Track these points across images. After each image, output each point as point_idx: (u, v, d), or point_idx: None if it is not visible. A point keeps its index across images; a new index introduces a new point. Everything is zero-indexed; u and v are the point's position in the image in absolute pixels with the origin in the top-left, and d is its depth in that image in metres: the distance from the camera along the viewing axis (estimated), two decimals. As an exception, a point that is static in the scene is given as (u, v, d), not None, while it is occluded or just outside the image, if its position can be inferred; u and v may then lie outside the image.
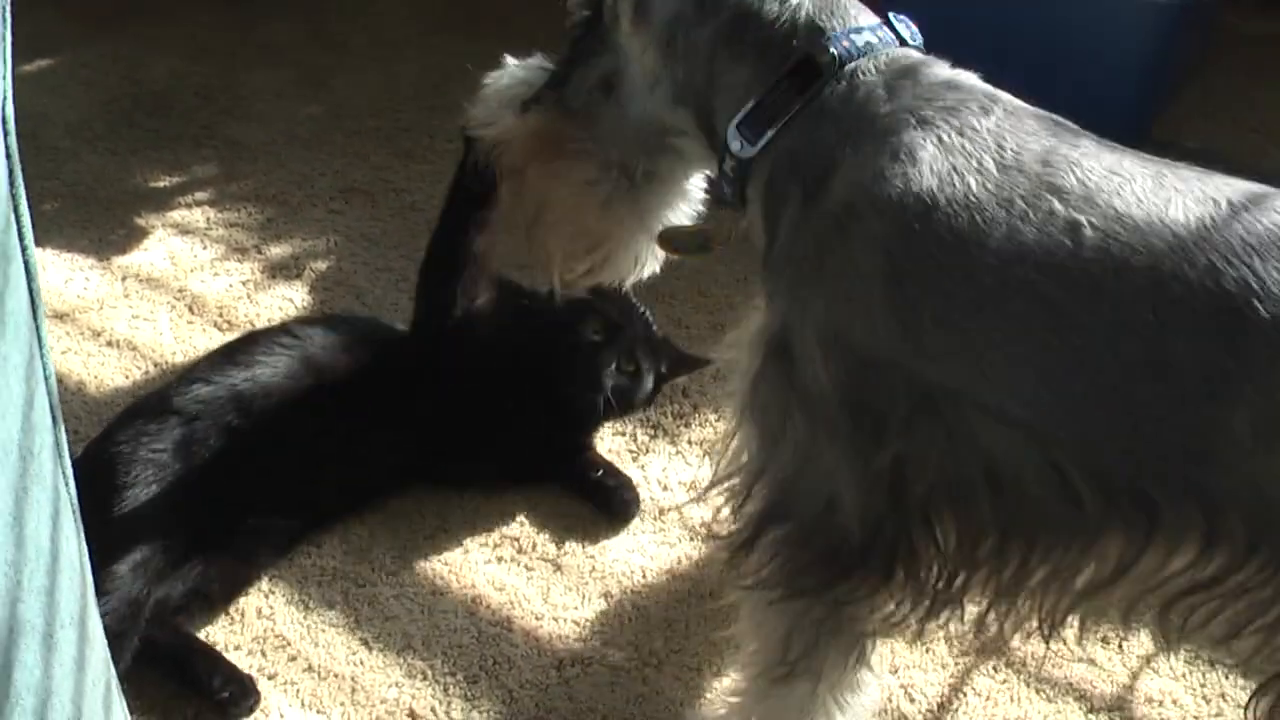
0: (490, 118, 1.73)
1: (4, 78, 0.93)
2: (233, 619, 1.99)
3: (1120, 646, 1.92)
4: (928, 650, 1.92)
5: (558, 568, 2.06)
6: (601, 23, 1.63)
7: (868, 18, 1.53)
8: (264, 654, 1.93)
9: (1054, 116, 1.42)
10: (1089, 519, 1.31)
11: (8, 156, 0.97)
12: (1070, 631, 1.44)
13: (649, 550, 2.09)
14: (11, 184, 0.99)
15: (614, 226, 1.70)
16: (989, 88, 1.46)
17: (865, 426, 1.38)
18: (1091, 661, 1.91)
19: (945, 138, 1.37)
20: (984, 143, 1.36)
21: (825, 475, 1.43)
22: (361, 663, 1.92)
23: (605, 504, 2.16)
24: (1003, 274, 1.30)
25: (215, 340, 2.51)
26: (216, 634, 1.96)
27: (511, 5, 3.55)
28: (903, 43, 1.51)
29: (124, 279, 2.69)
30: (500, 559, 2.08)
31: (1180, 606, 1.33)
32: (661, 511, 2.15)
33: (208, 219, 2.87)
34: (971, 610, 1.46)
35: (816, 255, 1.42)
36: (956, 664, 1.91)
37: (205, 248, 2.78)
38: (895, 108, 1.42)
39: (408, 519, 2.14)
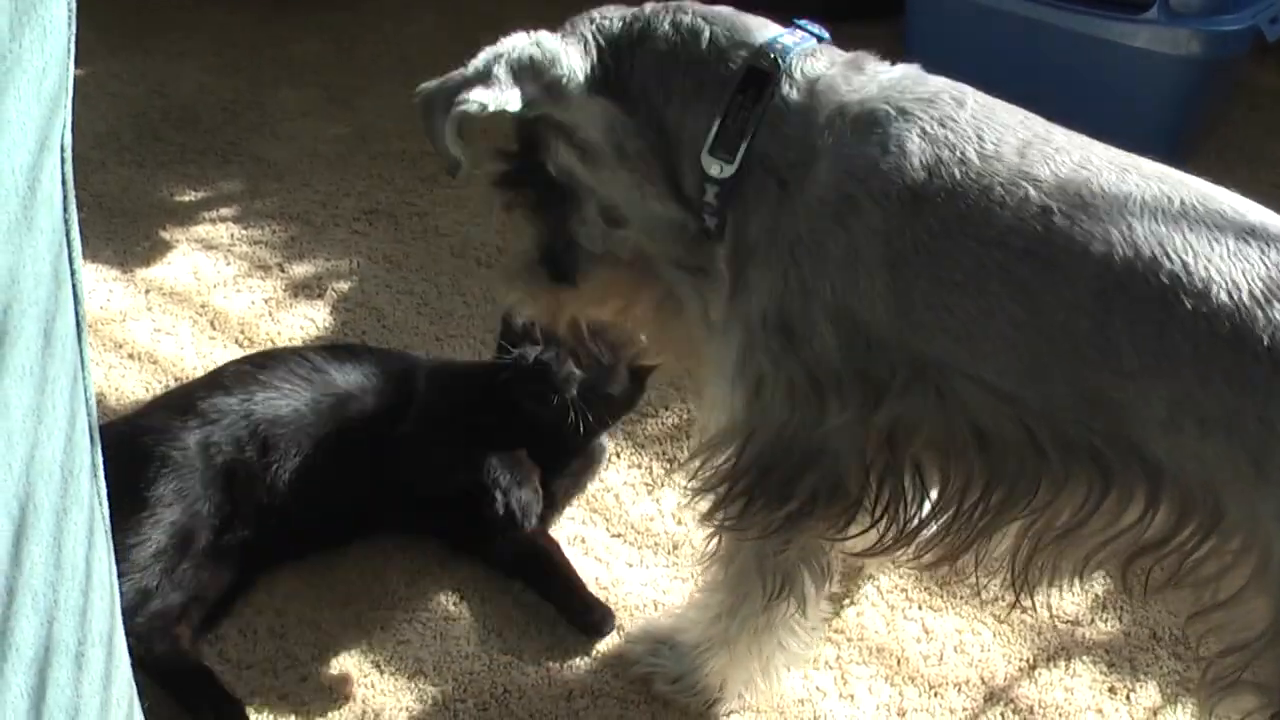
0: (526, 295, 1.81)
1: (65, 107, 0.95)
2: (245, 636, 2.00)
3: (1128, 697, 1.93)
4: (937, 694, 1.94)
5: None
6: (550, 185, 1.70)
7: (775, 27, 1.63)
8: (275, 673, 1.94)
9: (1020, 109, 1.54)
10: (1054, 469, 1.46)
11: (63, 183, 0.99)
12: (1039, 587, 1.58)
13: (661, 584, 2.10)
14: (65, 210, 1.01)
15: (696, 328, 1.75)
16: (946, 80, 1.57)
17: (868, 391, 1.52)
18: (1099, 711, 1.92)
19: (929, 129, 1.48)
20: (965, 133, 1.47)
21: (825, 433, 1.55)
22: (373, 685, 1.93)
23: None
24: (982, 257, 1.43)
25: (236, 357, 2.52)
26: (229, 651, 1.97)
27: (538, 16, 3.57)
28: (819, 39, 1.62)
29: (147, 292, 2.71)
30: (514, 587, 2.09)
31: (1137, 565, 1.48)
32: (675, 545, 2.16)
33: (232, 235, 2.89)
34: (947, 548, 1.60)
35: (815, 241, 1.51)
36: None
37: (229, 264, 2.80)
38: (865, 96, 1.53)
39: (422, 543, 2.15)
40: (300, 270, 2.78)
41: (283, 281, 2.74)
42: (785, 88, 1.56)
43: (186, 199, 3.02)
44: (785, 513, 1.59)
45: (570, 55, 1.61)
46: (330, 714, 1.89)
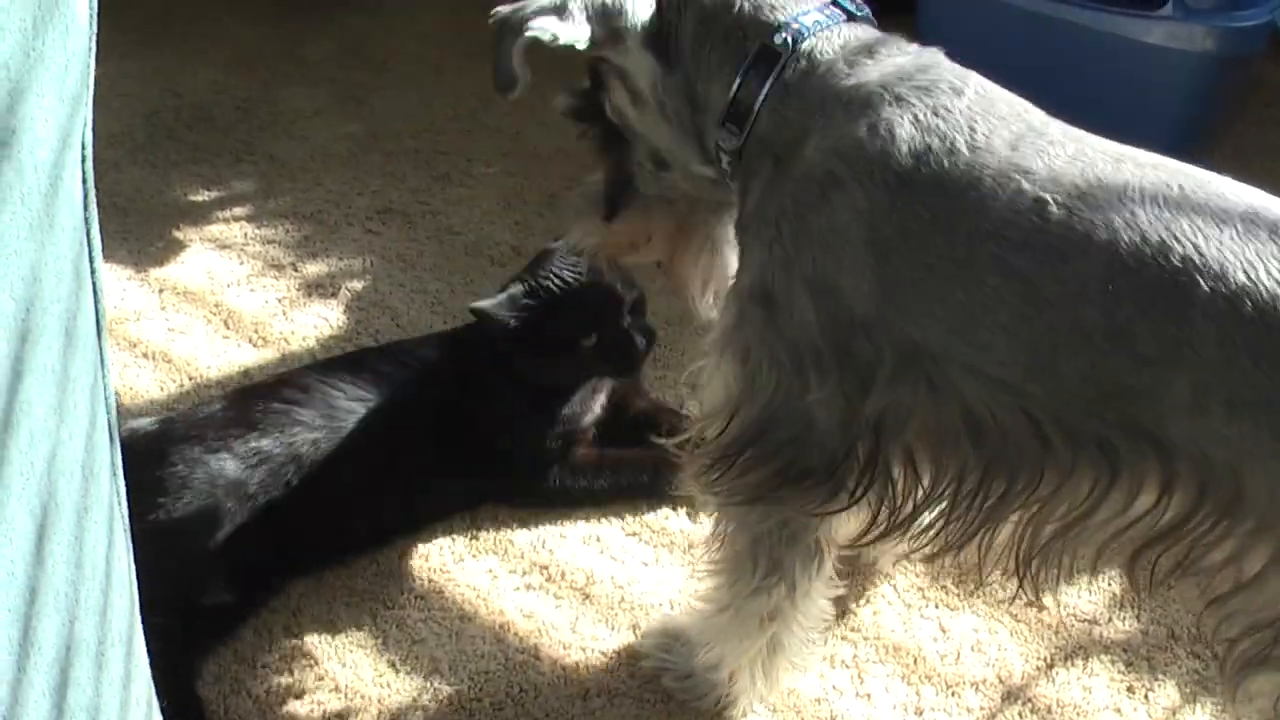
0: (584, 227, 1.88)
1: (86, 105, 0.95)
2: (260, 636, 2.00)
3: (1146, 696, 1.92)
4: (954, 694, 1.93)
5: (587, 597, 2.07)
6: (610, 127, 1.78)
7: (809, 2, 1.64)
8: (291, 672, 1.94)
9: (1022, 101, 1.54)
10: (1060, 459, 1.45)
11: (84, 181, 0.99)
12: (1047, 579, 1.58)
13: (678, 583, 2.10)
14: (85, 208, 1.01)
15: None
16: (957, 67, 1.57)
17: (853, 374, 1.53)
18: (1117, 711, 1.91)
19: (921, 117, 1.49)
20: (957, 123, 1.48)
21: (808, 406, 1.57)
22: (388, 685, 1.93)
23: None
24: (975, 248, 1.43)
25: (250, 356, 2.53)
26: (244, 650, 1.97)
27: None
28: (851, 16, 1.64)
29: (161, 291, 2.71)
30: (529, 586, 2.09)
31: (1147, 555, 1.47)
32: (691, 545, 2.16)
33: (245, 234, 2.89)
34: (946, 538, 1.60)
35: (798, 214, 1.54)
36: None
37: (242, 263, 2.80)
38: (863, 80, 1.55)
39: (438, 543, 2.15)
40: (313, 269, 2.78)
41: (296, 280, 2.74)
42: (791, 69, 1.59)
43: (200, 198, 3.02)
44: (767, 478, 1.62)
45: (637, 6, 1.64)
46: (345, 714, 1.88)
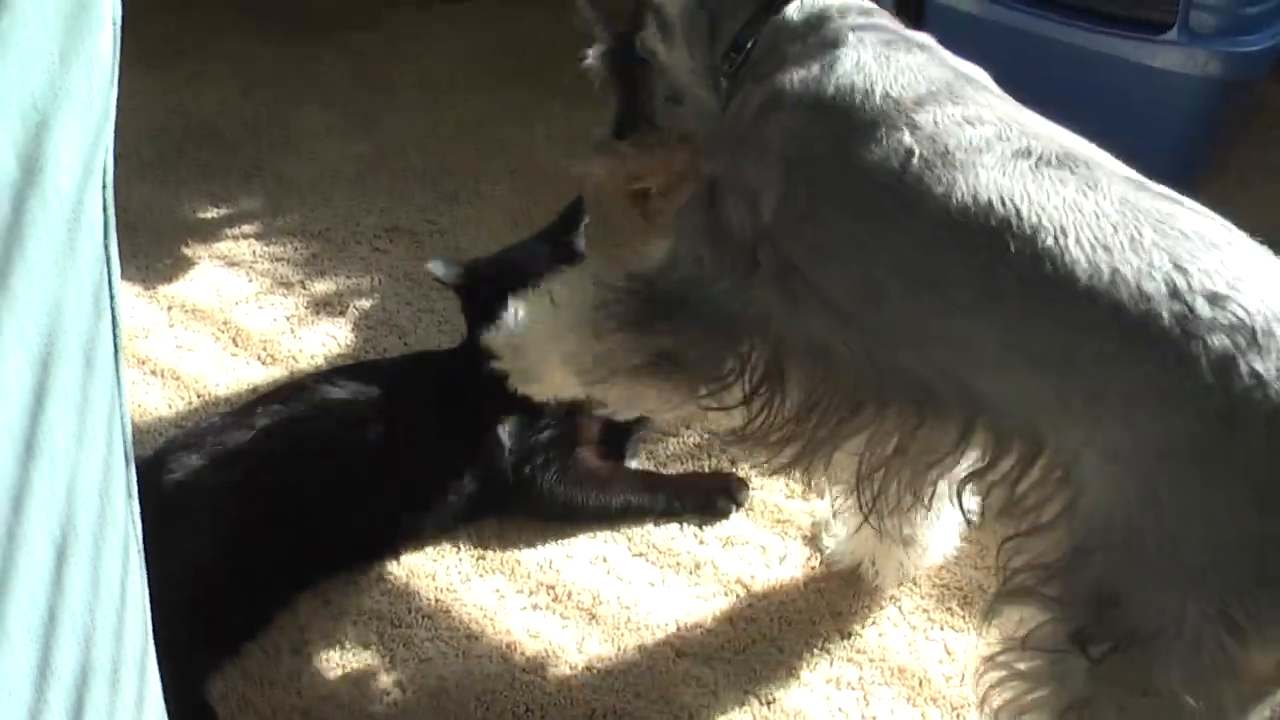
0: (595, 159, 2.01)
1: (108, 134, 0.96)
2: (268, 654, 2.00)
3: None
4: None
5: (593, 617, 2.08)
6: (631, 64, 1.92)
7: None
8: (299, 692, 1.95)
9: (971, 74, 1.67)
10: (886, 392, 1.59)
11: (104, 209, 1.00)
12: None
13: (684, 604, 2.10)
14: (105, 235, 1.02)
15: None
16: (926, 37, 1.72)
17: (752, 271, 1.66)
18: None
19: (863, 58, 1.62)
20: (887, 73, 1.60)
21: (714, 294, 1.70)
22: (395, 704, 1.93)
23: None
24: (853, 185, 1.55)
25: (258, 373, 2.54)
26: (251, 668, 1.98)
27: (559, 53, 3.59)
28: None
29: (169, 308, 2.72)
30: (536, 606, 2.09)
31: (968, 490, 1.60)
32: (697, 565, 2.17)
33: (254, 252, 2.90)
34: (792, 453, 1.74)
35: (746, 129, 1.68)
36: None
37: (250, 281, 2.81)
38: (844, 25, 1.68)
39: (445, 562, 2.16)
40: (322, 287, 2.79)
41: (304, 299, 2.76)
42: (792, 11, 1.73)
43: (209, 216, 3.04)
44: (667, 348, 1.75)
45: None
46: (353, 732, 1.90)
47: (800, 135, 1.61)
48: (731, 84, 1.78)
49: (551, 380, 1.94)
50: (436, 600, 2.10)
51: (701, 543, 2.21)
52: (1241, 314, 1.32)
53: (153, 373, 2.54)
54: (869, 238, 1.54)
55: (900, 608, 2.10)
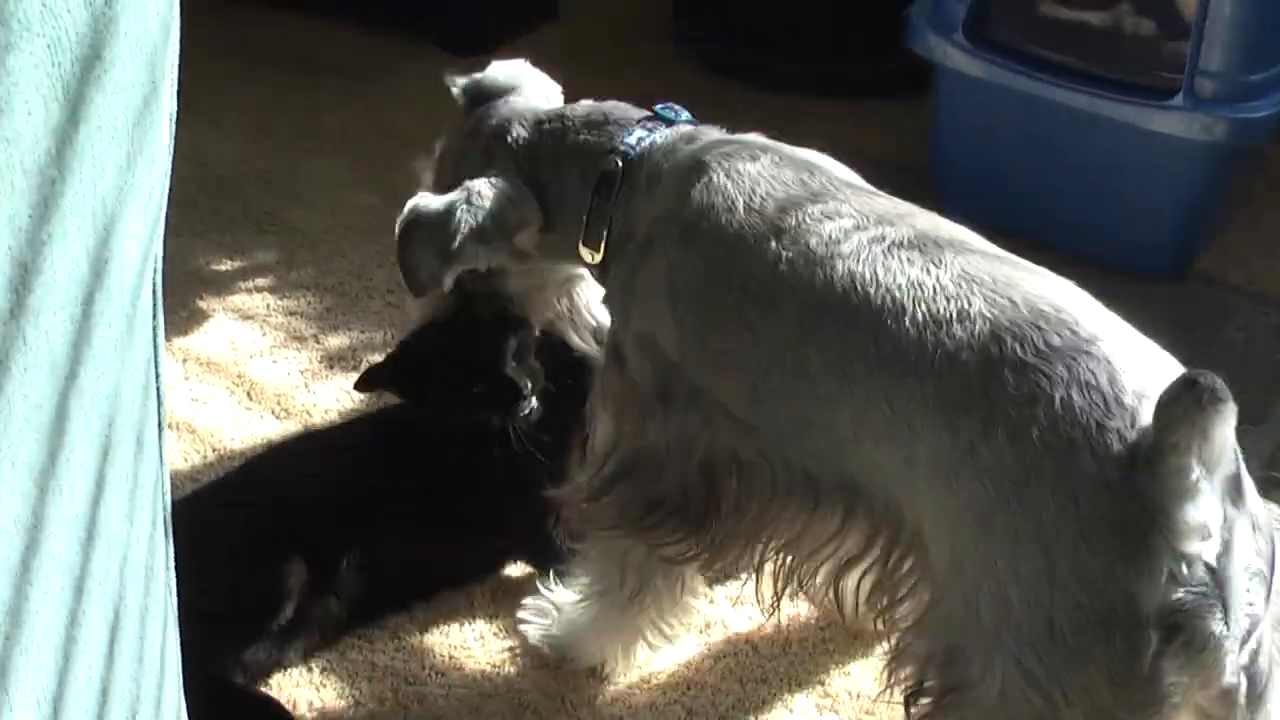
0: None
1: (160, 222, 0.99)
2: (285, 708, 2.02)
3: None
4: None
5: (605, 676, 2.09)
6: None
7: (635, 115, 1.90)
8: (314, 747, 1.97)
9: (817, 162, 1.75)
10: (783, 488, 1.66)
11: (154, 293, 1.03)
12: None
13: (695, 662, 2.12)
14: (154, 316, 1.05)
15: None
16: (766, 140, 1.81)
17: (666, 407, 1.75)
18: None
19: (715, 179, 1.70)
20: (742, 186, 1.68)
21: (650, 444, 1.78)
22: (409, 761, 1.95)
23: None
24: (726, 298, 1.64)
25: (273, 427, 2.57)
26: (268, 724, 2.00)
27: (568, 99, 3.63)
28: (670, 122, 1.88)
29: (184, 361, 2.75)
30: (548, 665, 2.11)
31: (846, 579, 1.70)
32: (707, 625, 2.19)
33: (267, 305, 2.93)
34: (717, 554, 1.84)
35: (628, 278, 1.78)
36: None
37: (264, 334, 2.84)
38: (680, 159, 1.77)
39: (459, 618, 2.18)
40: (335, 342, 2.82)
41: (318, 353, 2.78)
42: (629, 181, 1.82)
43: (223, 268, 3.06)
44: (635, 507, 1.81)
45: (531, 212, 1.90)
46: (368, 790, 1.91)
47: (677, 267, 1.69)
48: (606, 255, 1.85)
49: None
50: (450, 657, 2.12)
51: (711, 602, 2.23)
52: (1044, 384, 1.39)
53: (168, 426, 2.55)
54: (750, 345, 1.63)
55: (909, 669, 2.12)
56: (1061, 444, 1.37)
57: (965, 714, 1.46)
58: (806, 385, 1.57)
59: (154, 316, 1.05)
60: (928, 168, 3.15)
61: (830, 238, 1.58)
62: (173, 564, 1.21)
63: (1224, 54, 2.72)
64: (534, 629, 2.13)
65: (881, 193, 1.71)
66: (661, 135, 1.85)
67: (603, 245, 1.84)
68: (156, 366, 1.08)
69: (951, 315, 1.46)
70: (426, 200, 1.92)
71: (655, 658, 2.12)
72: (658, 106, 1.92)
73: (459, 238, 1.83)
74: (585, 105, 1.97)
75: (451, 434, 2.20)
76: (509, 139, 1.93)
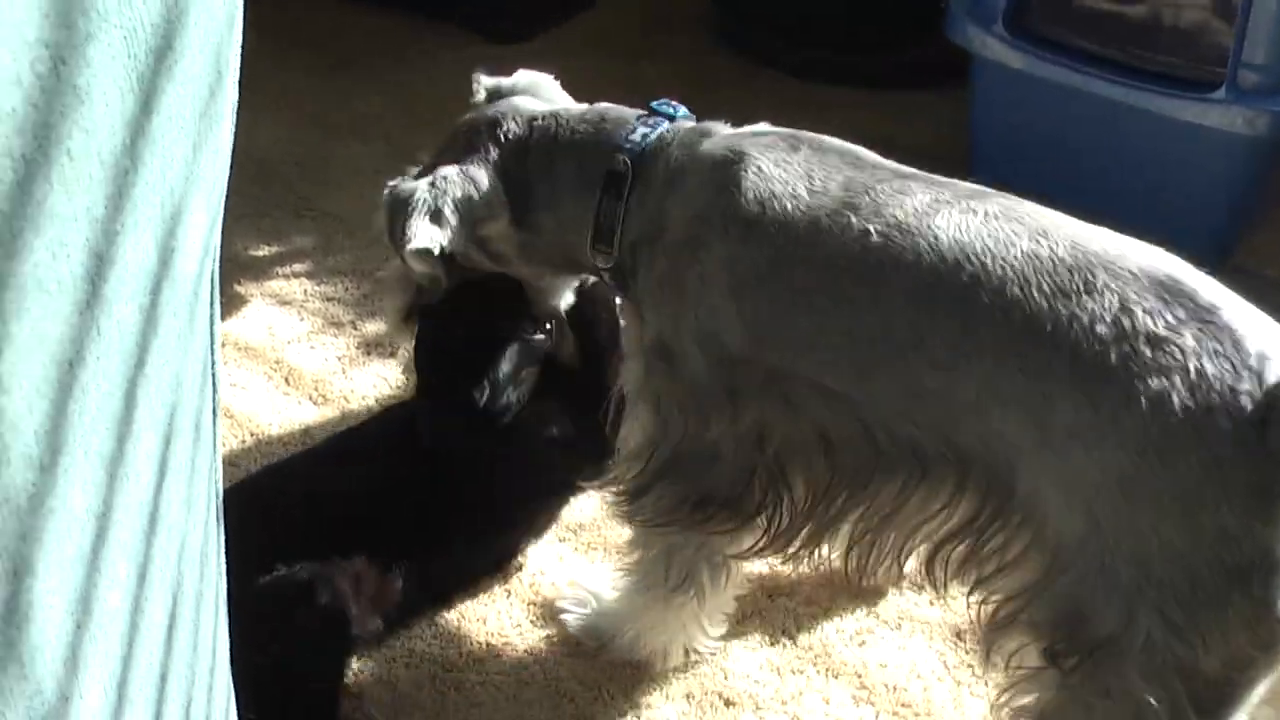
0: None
1: (220, 214, 0.99)
2: (322, 695, 2.03)
3: None
4: None
5: (642, 665, 2.10)
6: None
7: (631, 113, 1.90)
8: (352, 733, 1.98)
9: (858, 152, 1.76)
10: (884, 462, 1.67)
11: (212, 281, 1.04)
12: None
13: (733, 652, 2.13)
14: (212, 305, 1.05)
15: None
16: (786, 130, 1.81)
17: (734, 401, 1.76)
18: None
19: (764, 168, 1.71)
20: (797, 172, 1.70)
21: (709, 442, 1.79)
22: (447, 748, 1.96)
23: None
24: (810, 277, 1.66)
25: (310, 413, 2.58)
26: (307, 710, 2.00)
27: (606, 97, 3.63)
28: (670, 118, 1.88)
29: (223, 346, 2.75)
30: (587, 654, 2.12)
31: (943, 551, 1.69)
32: (744, 615, 2.19)
33: (305, 291, 2.94)
34: (803, 542, 1.84)
35: (675, 276, 1.77)
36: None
37: (302, 320, 2.85)
38: (707, 150, 1.78)
39: (497, 607, 2.19)
40: (373, 328, 2.82)
41: (356, 339, 2.79)
42: (640, 178, 1.81)
43: (261, 253, 3.08)
44: (681, 504, 1.83)
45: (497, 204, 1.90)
46: (407, 776, 1.92)
47: (738, 261, 1.70)
48: (619, 264, 1.85)
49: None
50: (488, 645, 2.13)
51: (748, 593, 2.23)
52: (1179, 356, 1.45)
53: (206, 410, 2.57)
54: (849, 318, 1.64)
55: (945, 662, 2.12)
56: (1200, 411, 1.43)
57: (1120, 666, 1.50)
58: (923, 354, 1.59)
59: (212, 305, 1.05)
60: (963, 158, 3.14)
61: (917, 211, 1.61)
62: (224, 552, 1.22)
63: (1269, 46, 2.70)
64: (573, 618, 2.15)
65: (937, 175, 1.72)
66: (667, 131, 1.85)
67: (616, 246, 1.84)
68: (213, 354, 1.09)
69: (1079, 286, 1.51)
70: (402, 183, 1.95)
71: (693, 648, 2.12)
72: (654, 103, 1.92)
73: (413, 219, 1.85)
74: (580, 106, 1.98)
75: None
76: (498, 131, 1.93)
